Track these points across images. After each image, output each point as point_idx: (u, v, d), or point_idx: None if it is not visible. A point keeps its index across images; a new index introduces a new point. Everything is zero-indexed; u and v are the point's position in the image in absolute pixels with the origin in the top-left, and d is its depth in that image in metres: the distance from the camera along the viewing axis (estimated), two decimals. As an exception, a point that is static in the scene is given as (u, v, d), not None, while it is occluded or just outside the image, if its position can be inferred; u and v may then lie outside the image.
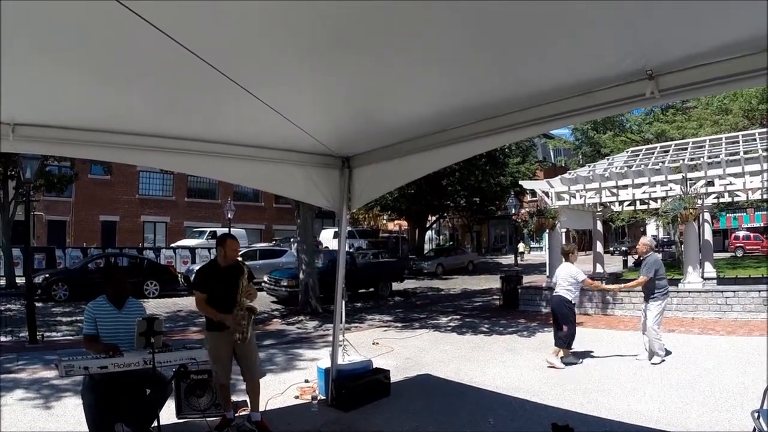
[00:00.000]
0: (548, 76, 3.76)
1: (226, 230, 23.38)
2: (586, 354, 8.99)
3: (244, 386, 5.72)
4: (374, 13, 2.86)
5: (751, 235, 42.06)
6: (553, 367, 8.23)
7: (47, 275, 19.48)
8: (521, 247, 45.24)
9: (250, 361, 5.48)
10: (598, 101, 3.77)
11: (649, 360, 8.23)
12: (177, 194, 39.35)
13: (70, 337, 11.54)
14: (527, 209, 18.98)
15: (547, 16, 2.87)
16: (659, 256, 8.66)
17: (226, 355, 5.34)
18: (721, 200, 15.90)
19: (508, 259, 40.33)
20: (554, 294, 8.84)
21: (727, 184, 13.47)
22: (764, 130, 15.54)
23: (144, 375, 4.58)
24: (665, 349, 8.30)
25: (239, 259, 5.57)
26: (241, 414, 5.82)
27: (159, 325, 4.60)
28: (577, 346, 8.82)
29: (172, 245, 31.20)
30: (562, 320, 8.53)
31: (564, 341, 8.46)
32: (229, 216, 29.20)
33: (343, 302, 6.98)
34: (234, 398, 5.90)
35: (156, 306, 17.15)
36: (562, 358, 8.42)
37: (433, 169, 5.75)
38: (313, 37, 3.14)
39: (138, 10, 2.61)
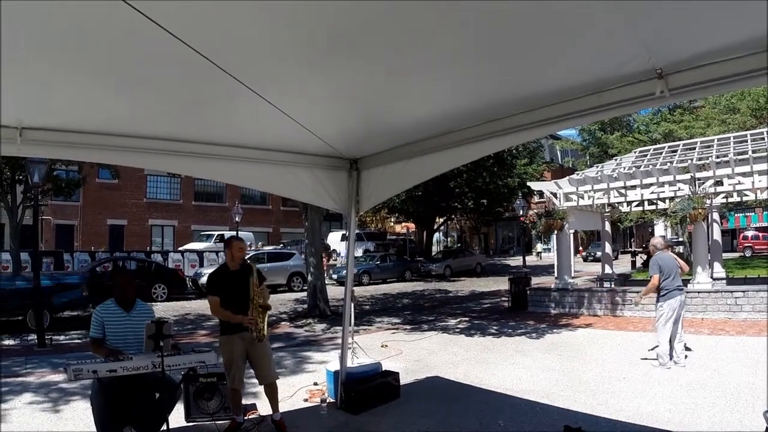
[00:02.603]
0: (556, 77, 3.74)
1: (234, 233, 23.37)
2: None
3: (253, 390, 5.71)
4: (380, 16, 2.85)
5: (760, 234, 41.77)
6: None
7: (56, 279, 19.49)
8: (539, 247, 45.50)
9: (265, 363, 5.51)
10: (607, 101, 3.74)
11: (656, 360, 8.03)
12: (184, 198, 39.50)
13: (78, 341, 11.58)
14: (535, 210, 18.90)
15: (554, 17, 2.86)
16: (665, 255, 8.30)
17: (240, 358, 5.36)
18: (730, 200, 15.83)
19: (516, 261, 40.18)
20: None
21: (736, 184, 13.41)
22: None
23: (153, 378, 4.58)
24: (668, 356, 7.93)
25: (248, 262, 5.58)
26: (250, 417, 5.83)
27: (168, 329, 4.58)
28: (588, 347, 8.72)
29: (180, 249, 31.22)
30: None
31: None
32: (236, 219, 29.28)
33: (352, 305, 6.97)
34: (243, 402, 5.89)
35: (164, 309, 17.19)
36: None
37: (441, 170, 5.72)
38: (320, 40, 3.14)
39: (147, 12, 2.61)
